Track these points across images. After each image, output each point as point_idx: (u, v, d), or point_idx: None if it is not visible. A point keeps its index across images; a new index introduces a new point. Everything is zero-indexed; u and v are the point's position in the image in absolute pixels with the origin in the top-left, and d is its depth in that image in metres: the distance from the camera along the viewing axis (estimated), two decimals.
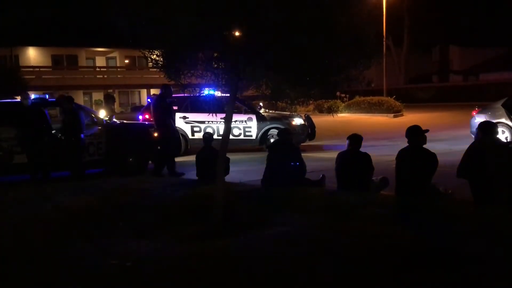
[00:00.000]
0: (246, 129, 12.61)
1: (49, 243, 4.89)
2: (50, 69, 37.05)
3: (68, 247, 4.75)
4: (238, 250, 4.36)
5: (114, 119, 10.29)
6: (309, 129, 13.19)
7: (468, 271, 3.61)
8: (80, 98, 35.96)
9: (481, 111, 12.37)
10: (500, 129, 10.08)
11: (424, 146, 5.79)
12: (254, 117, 12.70)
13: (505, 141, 10.72)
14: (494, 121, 10.02)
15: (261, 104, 16.35)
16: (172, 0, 4.34)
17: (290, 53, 4.38)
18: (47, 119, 8.70)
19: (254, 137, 12.65)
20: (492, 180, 5.03)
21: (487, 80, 36.18)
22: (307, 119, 13.46)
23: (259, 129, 12.62)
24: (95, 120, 9.51)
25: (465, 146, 5.64)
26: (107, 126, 9.49)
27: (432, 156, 5.65)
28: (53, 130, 8.83)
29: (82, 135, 8.64)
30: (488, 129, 5.34)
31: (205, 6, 4.31)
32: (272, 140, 11.77)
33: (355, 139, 6.49)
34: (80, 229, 5.36)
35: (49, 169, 8.70)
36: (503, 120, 11.34)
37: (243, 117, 12.62)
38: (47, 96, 9.74)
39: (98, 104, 36.94)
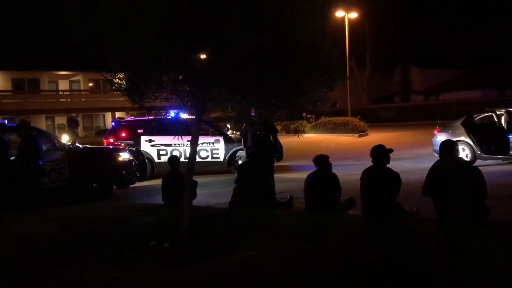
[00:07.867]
0: (214, 151, 12.53)
1: (5, 275, 4.64)
2: (11, 93, 36.07)
3: (26, 279, 4.52)
4: (205, 276, 4.25)
5: (77, 144, 10.03)
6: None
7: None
8: (42, 123, 35.06)
9: (442, 129, 12.75)
10: (460, 147, 10.39)
11: (389, 165, 5.87)
12: (221, 139, 12.64)
13: (466, 159, 11.05)
14: (455, 139, 10.33)
15: (228, 125, 16.31)
16: (135, 24, 4.29)
17: (254, 76, 4.39)
18: (6, 145, 8.39)
19: (222, 159, 12.57)
20: (454, 198, 5.13)
21: (447, 100, 37.59)
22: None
23: (226, 151, 12.56)
24: (57, 145, 9.23)
25: (429, 164, 5.75)
26: (70, 151, 9.22)
27: (395, 175, 5.73)
28: (12, 157, 8.52)
29: (40, 162, 8.35)
30: (448, 148, 5.47)
31: (169, 29, 4.28)
32: (240, 162, 11.72)
33: (321, 160, 6.55)
34: (39, 260, 5.12)
35: (7, 197, 8.34)
36: (462, 138, 11.70)
37: (210, 139, 12.54)
38: (5, 121, 9.42)
39: (61, 128, 36.09)
